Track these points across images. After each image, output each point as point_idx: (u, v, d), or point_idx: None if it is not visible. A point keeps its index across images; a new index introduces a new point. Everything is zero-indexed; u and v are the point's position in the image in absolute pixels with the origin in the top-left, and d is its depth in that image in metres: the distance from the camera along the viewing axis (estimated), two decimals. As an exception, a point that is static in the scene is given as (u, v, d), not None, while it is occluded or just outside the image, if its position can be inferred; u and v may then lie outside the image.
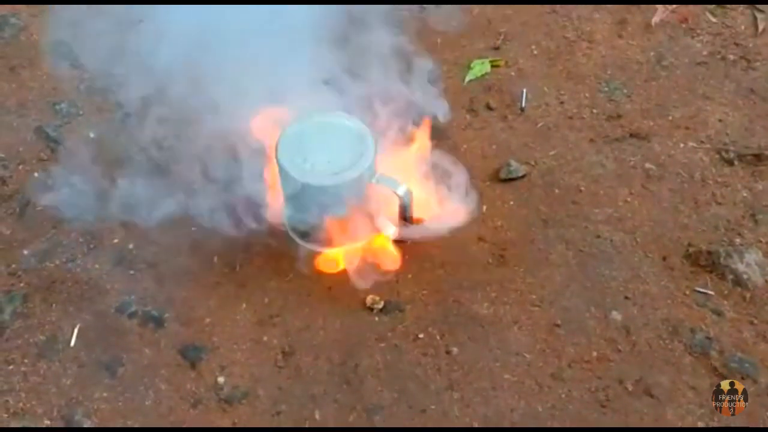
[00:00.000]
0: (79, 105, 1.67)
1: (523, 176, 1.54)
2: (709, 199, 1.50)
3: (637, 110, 1.64)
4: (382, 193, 1.34)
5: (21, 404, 1.27)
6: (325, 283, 1.40)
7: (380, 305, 1.36)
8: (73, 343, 1.34)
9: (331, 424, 1.24)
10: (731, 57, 1.73)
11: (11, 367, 1.31)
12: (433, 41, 1.74)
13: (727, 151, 1.56)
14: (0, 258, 1.44)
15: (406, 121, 1.47)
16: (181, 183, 1.43)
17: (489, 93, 1.69)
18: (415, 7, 1.78)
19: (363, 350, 1.32)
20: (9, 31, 1.82)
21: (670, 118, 1.63)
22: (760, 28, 1.78)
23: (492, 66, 1.74)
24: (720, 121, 1.62)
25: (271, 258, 1.42)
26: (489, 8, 1.84)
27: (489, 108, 1.66)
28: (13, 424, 1.25)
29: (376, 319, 1.36)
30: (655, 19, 1.81)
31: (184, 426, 1.25)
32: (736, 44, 1.75)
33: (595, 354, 1.31)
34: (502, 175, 1.54)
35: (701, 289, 1.37)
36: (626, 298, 1.37)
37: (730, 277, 1.37)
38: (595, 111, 1.65)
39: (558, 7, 1.83)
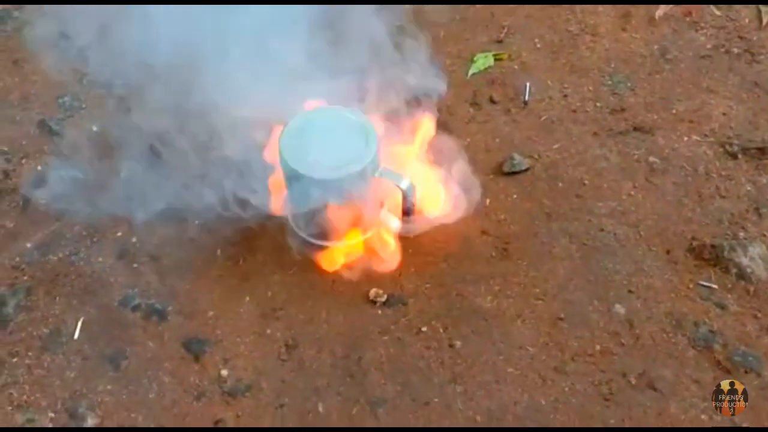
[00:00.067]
0: (82, 98, 1.68)
1: (526, 170, 1.54)
2: (713, 193, 1.49)
3: (640, 104, 1.64)
4: (386, 187, 1.34)
5: (25, 397, 1.28)
6: (328, 277, 1.40)
7: (383, 298, 1.36)
8: (76, 336, 1.34)
9: (334, 417, 1.25)
10: (735, 50, 1.72)
11: (15, 359, 1.32)
12: (436, 34, 1.73)
13: (731, 145, 1.56)
14: (3, 251, 1.44)
15: (409, 115, 1.47)
16: (184, 176, 1.43)
17: (492, 86, 1.69)
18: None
19: (366, 343, 1.32)
20: (12, 24, 1.82)
21: (674, 111, 1.62)
22: (765, 21, 1.77)
23: (495, 59, 1.73)
24: (724, 114, 1.61)
25: (274, 251, 1.42)
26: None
27: (492, 101, 1.66)
28: (18, 417, 1.25)
29: (379, 312, 1.36)
30: (659, 13, 1.80)
31: (188, 418, 1.25)
32: (741, 37, 1.75)
33: (598, 347, 1.31)
34: (506, 169, 1.54)
35: (705, 283, 1.37)
36: (630, 291, 1.37)
37: (734, 270, 1.37)
38: (598, 104, 1.65)
39: None
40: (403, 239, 1.41)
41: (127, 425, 1.25)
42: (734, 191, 1.49)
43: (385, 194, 1.38)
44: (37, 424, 1.25)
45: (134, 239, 1.45)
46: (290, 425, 1.24)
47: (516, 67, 1.72)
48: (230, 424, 1.24)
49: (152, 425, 1.25)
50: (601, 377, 1.27)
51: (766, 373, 1.26)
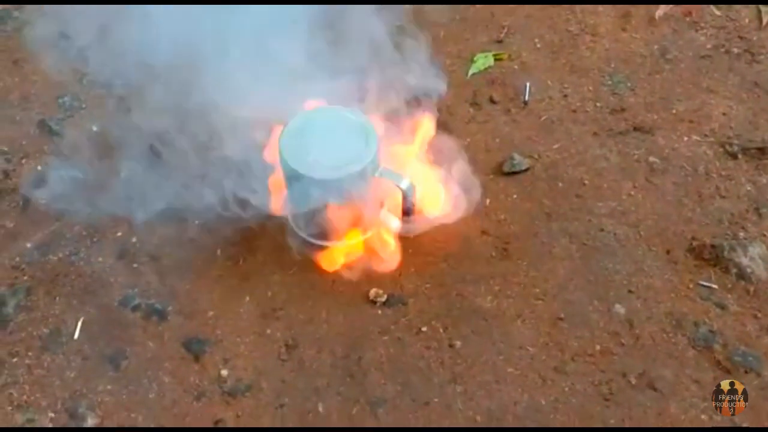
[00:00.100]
0: (82, 98, 1.68)
1: (526, 170, 1.54)
2: (713, 193, 1.49)
3: (640, 104, 1.64)
4: (386, 187, 1.34)
5: (25, 397, 1.28)
6: (328, 277, 1.40)
7: (383, 298, 1.36)
8: (76, 336, 1.34)
9: (334, 417, 1.25)
10: (735, 50, 1.72)
11: (15, 359, 1.32)
12: (436, 34, 1.73)
13: (731, 145, 1.56)
14: (3, 251, 1.44)
15: (408, 115, 1.47)
16: (184, 176, 1.43)
17: (492, 86, 1.69)
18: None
19: (366, 343, 1.32)
20: (12, 24, 1.82)
21: (674, 111, 1.62)
22: (765, 21, 1.77)
23: (495, 59, 1.73)
24: (724, 114, 1.61)
25: (274, 251, 1.42)
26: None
27: (492, 101, 1.66)
28: (18, 417, 1.25)
29: (379, 312, 1.36)
30: (659, 13, 1.80)
31: (188, 418, 1.25)
32: (741, 37, 1.75)
33: (598, 347, 1.31)
34: (506, 169, 1.54)
35: (705, 283, 1.37)
36: (630, 291, 1.37)
37: (734, 270, 1.37)
38: (598, 104, 1.65)
39: None
40: (403, 239, 1.41)
41: (127, 425, 1.25)
42: (734, 191, 1.49)
43: (385, 194, 1.38)
44: (37, 424, 1.25)
45: (134, 239, 1.45)
46: (290, 425, 1.24)
47: (516, 67, 1.72)
48: (230, 424, 1.24)
49: (152, 425, 1.25)
50: (601, 377, 1.27)
51: (766, 373, 1.26)
